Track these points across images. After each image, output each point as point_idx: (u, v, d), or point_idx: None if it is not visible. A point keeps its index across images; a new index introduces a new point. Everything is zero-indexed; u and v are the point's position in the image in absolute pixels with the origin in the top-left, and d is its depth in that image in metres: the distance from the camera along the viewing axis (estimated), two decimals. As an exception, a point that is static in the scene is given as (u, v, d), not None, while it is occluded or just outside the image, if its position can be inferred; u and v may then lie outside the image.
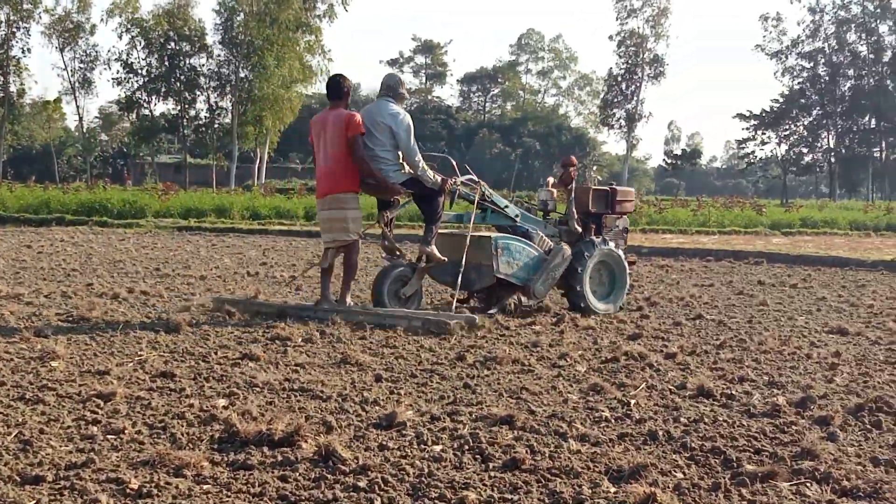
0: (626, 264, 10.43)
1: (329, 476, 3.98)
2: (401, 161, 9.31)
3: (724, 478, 4.07)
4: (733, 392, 5.86)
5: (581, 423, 4.98)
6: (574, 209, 10.43)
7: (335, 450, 4.18)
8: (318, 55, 63.26)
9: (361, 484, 3.87)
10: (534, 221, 10.40)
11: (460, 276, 9.38)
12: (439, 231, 9.73)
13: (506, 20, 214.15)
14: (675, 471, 4.20)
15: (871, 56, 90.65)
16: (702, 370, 6.68)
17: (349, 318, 8.71)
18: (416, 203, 9.83)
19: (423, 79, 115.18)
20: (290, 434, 4.43)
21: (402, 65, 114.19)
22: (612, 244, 10.33)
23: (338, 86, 9.27)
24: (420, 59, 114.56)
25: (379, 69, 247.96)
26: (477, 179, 10.17)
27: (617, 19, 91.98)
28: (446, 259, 9.51)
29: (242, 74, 61.73)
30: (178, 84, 63.20)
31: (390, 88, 9.54)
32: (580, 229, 10.41)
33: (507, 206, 10.29)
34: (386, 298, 9.28)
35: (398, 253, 9.93)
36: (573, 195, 10.46)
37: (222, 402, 5.31)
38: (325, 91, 9.66)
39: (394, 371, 6.40)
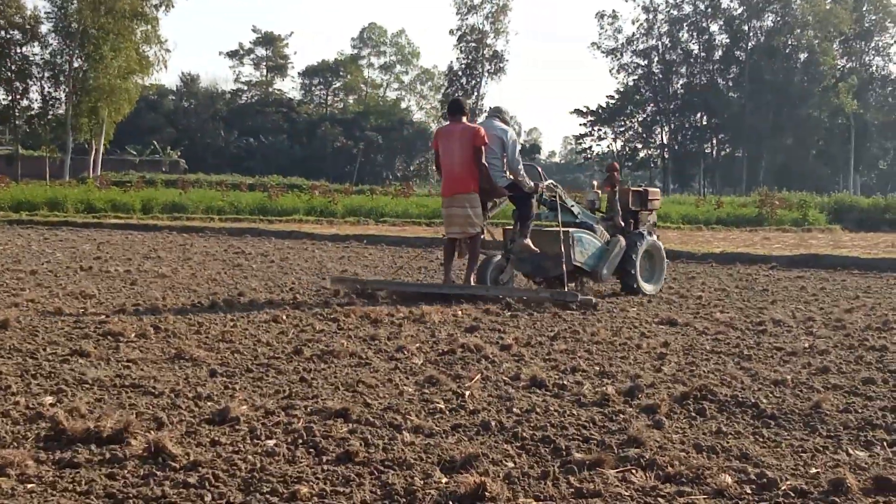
0: (664, 252, 12.38)
1: (158, 473, 3.91)
2: (505, 168, 11.04)
3: (553, 466, 4.15)
4: (565, 382, 5.98)
5: (416, 416, 5.01)
6: (619, 207, 12.19)
7: (165, 446, 4.11)
8: (155, 45, 61.98)
9: (192, 480, 3.82)
10: (591, 218, 12.12)
11: (565, 264, 11.02)
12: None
13: (347, 14, 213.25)
14: (506, 460, 4.26)
15: (703, 54, 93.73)
16: (536, 361, 6.79)
17: (477, 292, 10.55)
18: (512, 202, 11.45)
19: (264, 71, 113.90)
20: (119, 431, 4.34)
21: (242, 56, 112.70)
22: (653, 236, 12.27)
23: (460, 104, 11.45)
24: (261, 52, 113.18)
25: (219, 61, 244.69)
26: (556, 184, 11.95)
27: (457, 14, 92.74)
28: (538, 250, 11.12)
29: (77, 64, 60.00)
30: (10, 73, 61.01)
31: (498, 111, 11.75)
32: (623, 224, 12.14)
33: (572, 206, 11.99)
34: (489, 283, 11.07)
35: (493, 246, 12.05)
36: (618, 195, 12.32)
37: (49, 399, 5.17)
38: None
39: (229, 366, 6.33)
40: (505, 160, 11.01)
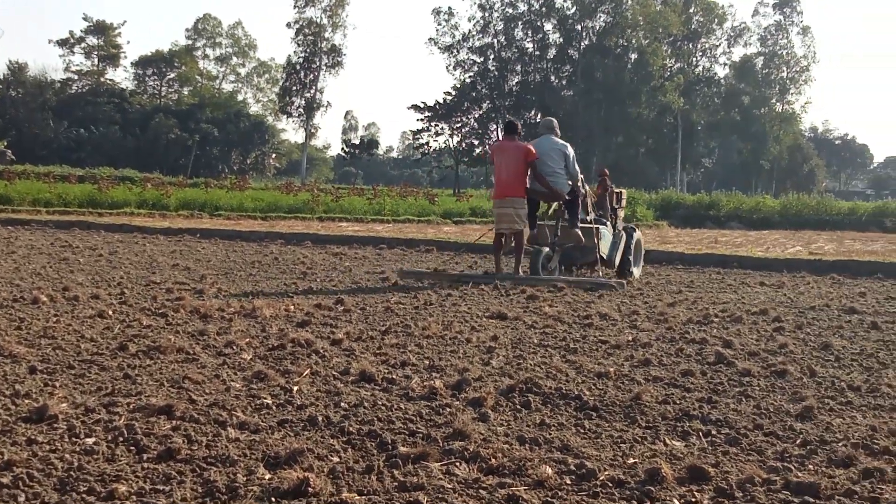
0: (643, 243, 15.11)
1: (-31, 474, 3.78)
2: (567, 177, 13.28)
3: (379, 460, 4.16)
4: (394, 376, 6.00)
5: (242, 411, 4.96)
6: (609, 206, 14.50)
7: (-23, 447, 3.98)
8: (-19, 32, 59.68)
9: (5, 480, 3.69)
10: (601, 216, 14.39)
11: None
12: (538, 224, 13.78)
13: (182, 3, 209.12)
14: (331, 455, 4.25)
15: (537, 53, 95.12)
16: (366, 356, 6.80)
17: (529, 283, 12.13)
18: (565, 205, 13.50)
19: (96, 60, 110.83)
20: (-71, 431, 4.18)
21: (72, 45, 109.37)
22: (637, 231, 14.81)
23: (514, 126, 13.60)
24: (92, 41, 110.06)
25: (48, 49, 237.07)
26: (587, 188, 14.37)
27: (294, 7, 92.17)
28: (584, 239, 13.44)
29: None
30: None
31: (552, 129, 13.69)
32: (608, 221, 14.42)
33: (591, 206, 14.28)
34: (540, 270, 12.96)
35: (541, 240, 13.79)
36: (608, 196, 14.62)
37: None
38: None
39: (50, 362, 6.14)
40: (566, 171, 13.26)
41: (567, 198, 13.37)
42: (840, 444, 4.69)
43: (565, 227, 13.47)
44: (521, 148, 13.08)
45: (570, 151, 13.45)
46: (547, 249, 13.38)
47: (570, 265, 14.08)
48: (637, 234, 14.47)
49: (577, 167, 13.46)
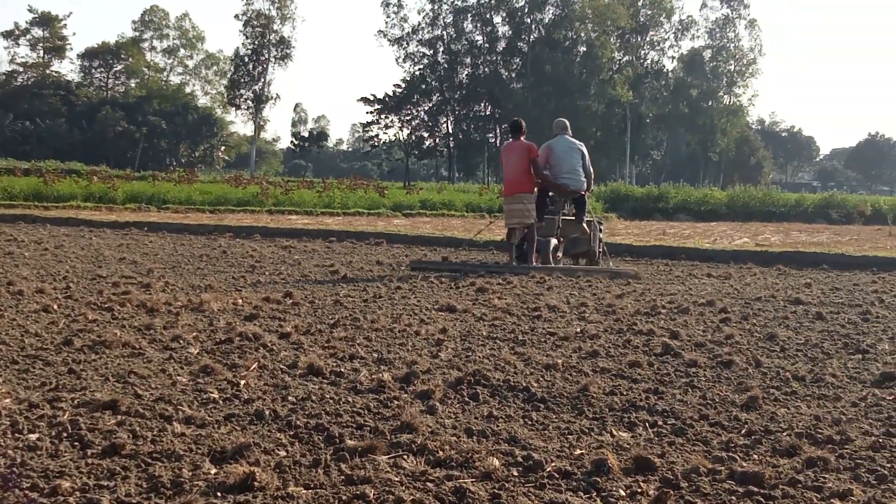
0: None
1: None
2: (583, 174, 14.28)
3: (326, 454, 4.14)
4: (342, 370, 5.98)
5: (188, 406, 4.92)
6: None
7: (-83, 443, 3.91)
8: (-77, 23, 58.80)
9: (-55, 478, 3.65)
10: None
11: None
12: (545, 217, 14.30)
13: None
14: (278, 449, 4.23)
15: (487, 45, 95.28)
16: (314, 349, 6.77)
17: (548, 273, 12.97)
18: (574, 201, 14.47)
19: (41, 52, 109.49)
20: None
21: (17, 37, 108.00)
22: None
23: (518, 125, 14.43)
24: (37, 32, 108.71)
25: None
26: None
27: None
28: (589, 231, 14.45)
29: None
30: None
31: (566, 129, 14.57)
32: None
33: None
34: (550, 259, 13.81)
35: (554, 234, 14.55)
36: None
37: None
38: None
39: (-7, 358, 6.07)
40: (583, 169, 14.26)
41: (583, 192, 14.30)
42: (784, 434, 4.74)
43: (571, 221, 14.41)
44: (524, 146, 14.04)
45: (586, 151, 14.48)
46: (555, 241, 14.18)
47: (568, 255, 14.94)
48: (603, 226, 15.53)
49: (590, 166, 14.46)
